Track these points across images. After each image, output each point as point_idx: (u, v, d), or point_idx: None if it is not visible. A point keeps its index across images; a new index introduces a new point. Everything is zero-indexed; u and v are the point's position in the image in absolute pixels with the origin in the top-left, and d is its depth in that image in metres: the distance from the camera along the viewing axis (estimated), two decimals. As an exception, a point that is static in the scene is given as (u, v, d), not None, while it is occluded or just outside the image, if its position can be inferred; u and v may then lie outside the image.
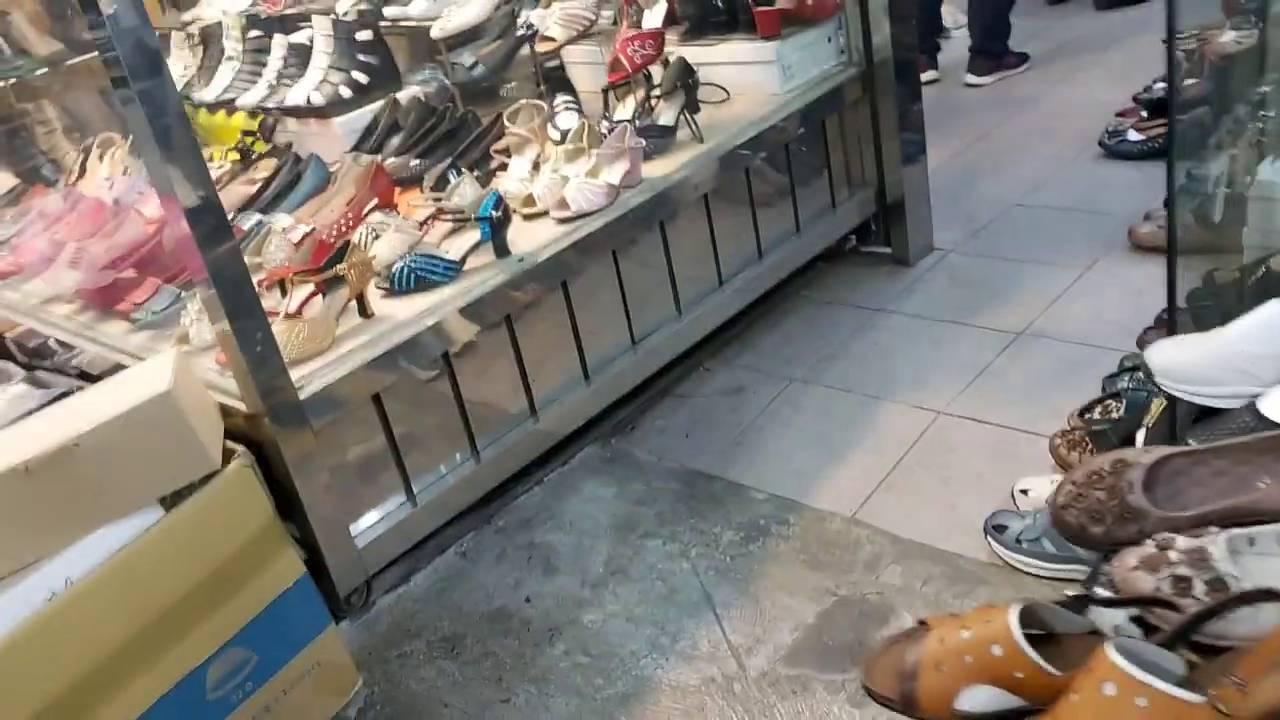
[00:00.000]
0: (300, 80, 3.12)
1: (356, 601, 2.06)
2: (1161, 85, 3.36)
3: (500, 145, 2.65)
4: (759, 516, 2.17)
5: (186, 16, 3.71)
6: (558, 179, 2.43)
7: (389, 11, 3.11)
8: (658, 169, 2.52)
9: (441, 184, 2.58)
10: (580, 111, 2.85)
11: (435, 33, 2.94)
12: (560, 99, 2.91)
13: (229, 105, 3.30)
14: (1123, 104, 3.55)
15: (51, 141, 3.44)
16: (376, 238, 2.37)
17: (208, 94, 3.36)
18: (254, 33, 3.34)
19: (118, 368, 2.25)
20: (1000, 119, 4.00)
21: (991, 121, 3.99)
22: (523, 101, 2.65)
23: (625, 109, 2.71)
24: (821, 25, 2.81)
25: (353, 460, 2.08)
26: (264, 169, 2.93)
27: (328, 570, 1.95)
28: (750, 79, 2.80)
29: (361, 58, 3.09)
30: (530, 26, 2.85)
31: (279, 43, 3.26)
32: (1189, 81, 2.11)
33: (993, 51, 4.36)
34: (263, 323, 1.81)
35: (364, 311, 2.13)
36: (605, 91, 2.72)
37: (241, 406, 1.88)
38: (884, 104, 2.87)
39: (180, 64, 3.60)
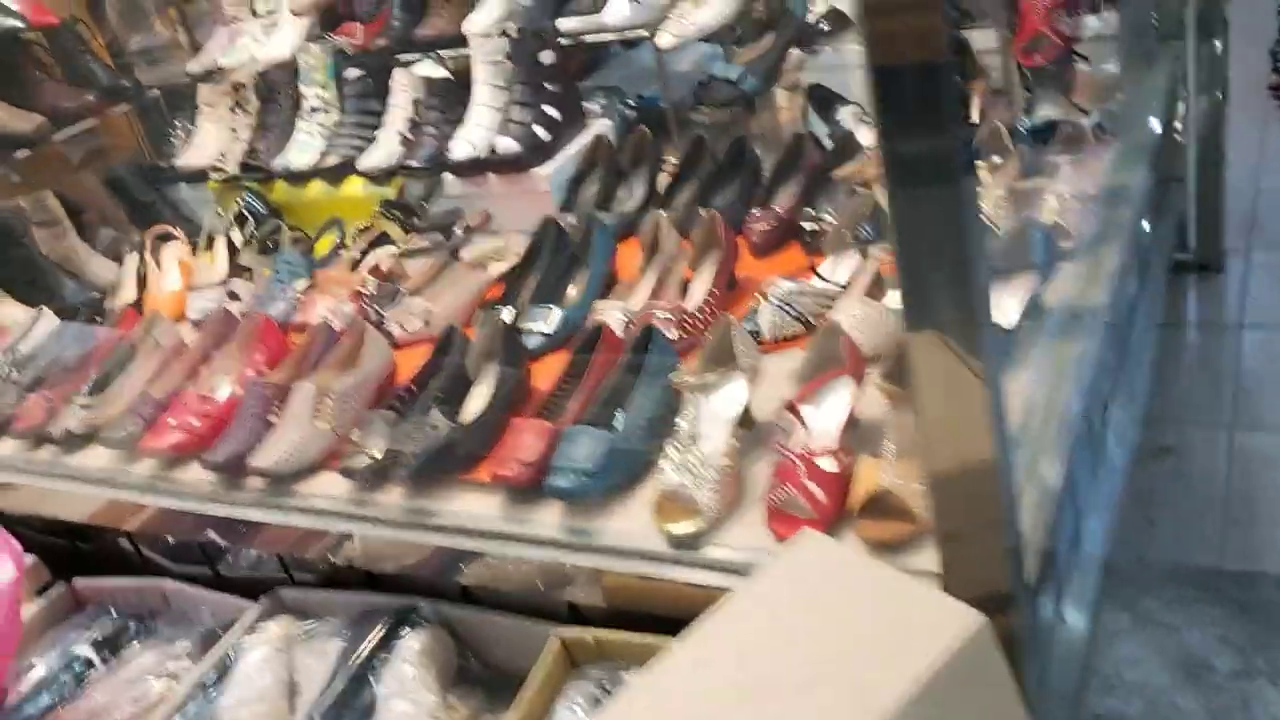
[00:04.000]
0: (464, 126, 2.28)
1: None
2: None
3: (859, 169, 1.92)
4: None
5: (192, 67, 2.77)
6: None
7: (566, 24, 2.32)
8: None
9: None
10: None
11: (665, 42, 2.19)
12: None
13: (333, 172, 2.41)
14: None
15: (63, 249, 2.43)
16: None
17: (287, 161, 2.45)
18: (352, 72, 2.46)
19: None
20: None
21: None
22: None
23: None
24: None
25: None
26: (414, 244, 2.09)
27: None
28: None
29: (549, 87, 2.29)
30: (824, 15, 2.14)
31: (403, 82, 2.40)
32: None
33: None
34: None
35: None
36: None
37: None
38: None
39: (218, 127, 2.66)
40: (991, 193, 1.76)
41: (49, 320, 2.15)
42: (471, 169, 2.25)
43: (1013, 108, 2.01)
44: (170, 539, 1.83)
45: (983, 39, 2.14)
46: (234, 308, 2.08)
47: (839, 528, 1.24)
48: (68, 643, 1.69)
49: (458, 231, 2.07)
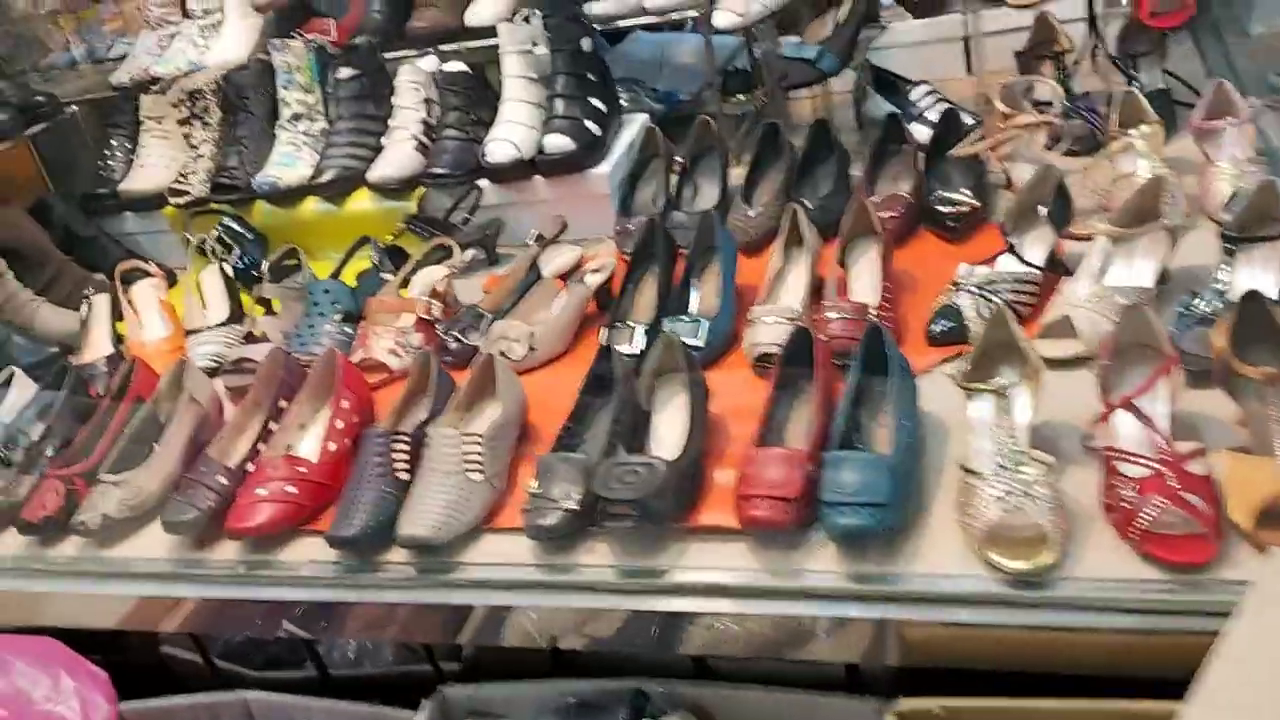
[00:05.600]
0: (497, 125, 1.99)
1: None
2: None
3: (993, 144, 1.74)
4: None
5: (119, 77, 2.37)
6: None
7: (600, 8, 2.07)
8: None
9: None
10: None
11: (724, 21, 1.97)
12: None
13: (334, 187, 2.07)
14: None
15: (1, 298, 1.98)
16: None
17: (272, 177, 2.09)
18: (344, 72, 2.13)
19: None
20: None
21: None
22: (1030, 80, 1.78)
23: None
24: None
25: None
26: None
27: None
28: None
29: (591, 77, 2.03)
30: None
31: (412, 80, 2.09)
32: None
33: None
34: None
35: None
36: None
37: None
38: None
39: (169, 144, 2.27)
40: (1152, 162, 1.62)
41: (23, 385, 1.73)
42: (515, 172, 1.97)
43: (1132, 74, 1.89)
44: (240, 637, 1.48)
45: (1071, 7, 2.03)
46: (265, 351, 1.73)
47: (1228, 540, 1.05)
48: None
49: (530, 243, 1.78)
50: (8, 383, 1.73)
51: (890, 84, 2.12)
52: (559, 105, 1.98)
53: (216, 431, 1.57)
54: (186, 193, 2.16)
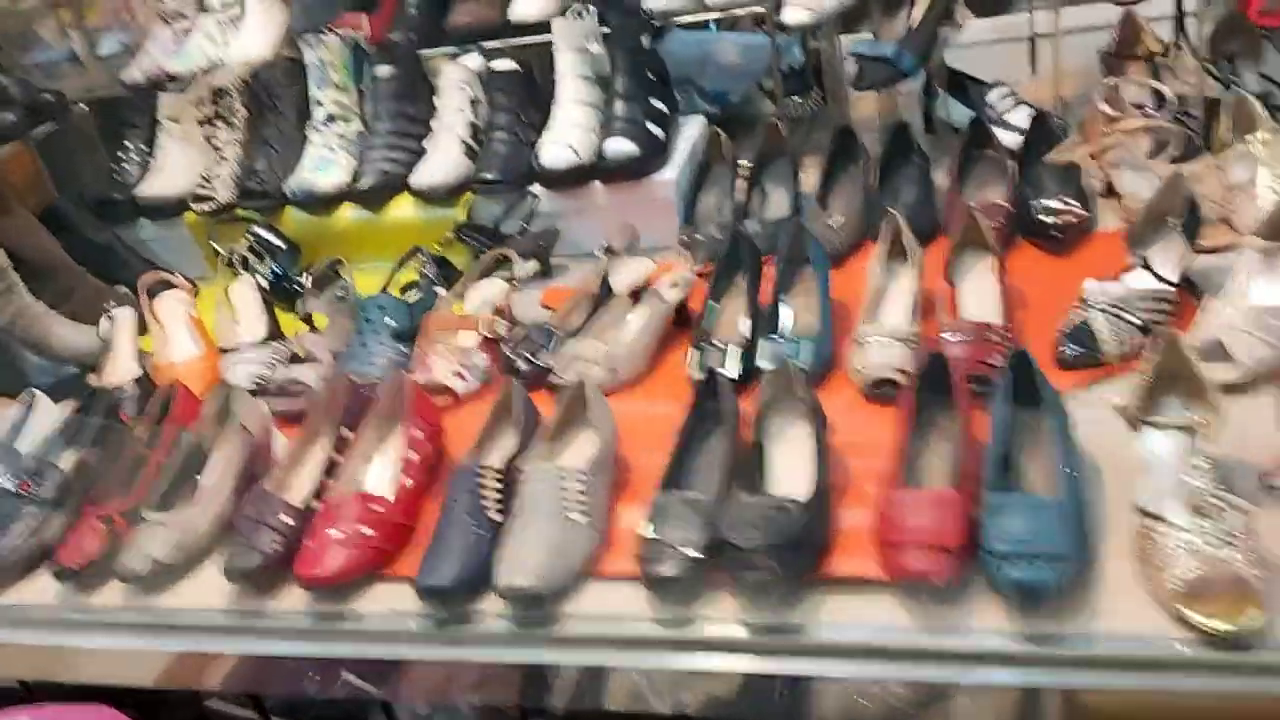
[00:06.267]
0: (552, 128, 1.86)
1: None
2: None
3: (1098, 150, 1.63)
4: None
5: (132, 75, 2.21)
6: None
7: (656, 4, 1.94)
8: None
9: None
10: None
11: (795, 18, 1.84)
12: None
13: (373, 193, 1.93)
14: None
15: (13, 313, 1.82)
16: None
17: (307, 182, 1.95)
18: (383, 70, 1.99)
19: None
20: None
21: None
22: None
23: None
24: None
25: None
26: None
27: None
28: None
29: (651, 77, 1.90)
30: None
31: (456, 79, 1.95)
32: None
33: None
34: None
35: None
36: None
37: None
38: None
39: (189, 146, 2.12)
40: (1274, 171, 1.52)
41: (48, 411, 1.58)
42: (573, 178, 1.84)
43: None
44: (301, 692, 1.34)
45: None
46: (315, 372, 1.59)
47: None
48: None
49: (599, 255, 1.65)
50: (29, 407, 1.58)
51: (962, 86, 2.01)
52: (619, 107, 1.85)
53: (267, 463, 1.43)
54: (211, 198, 2.01)
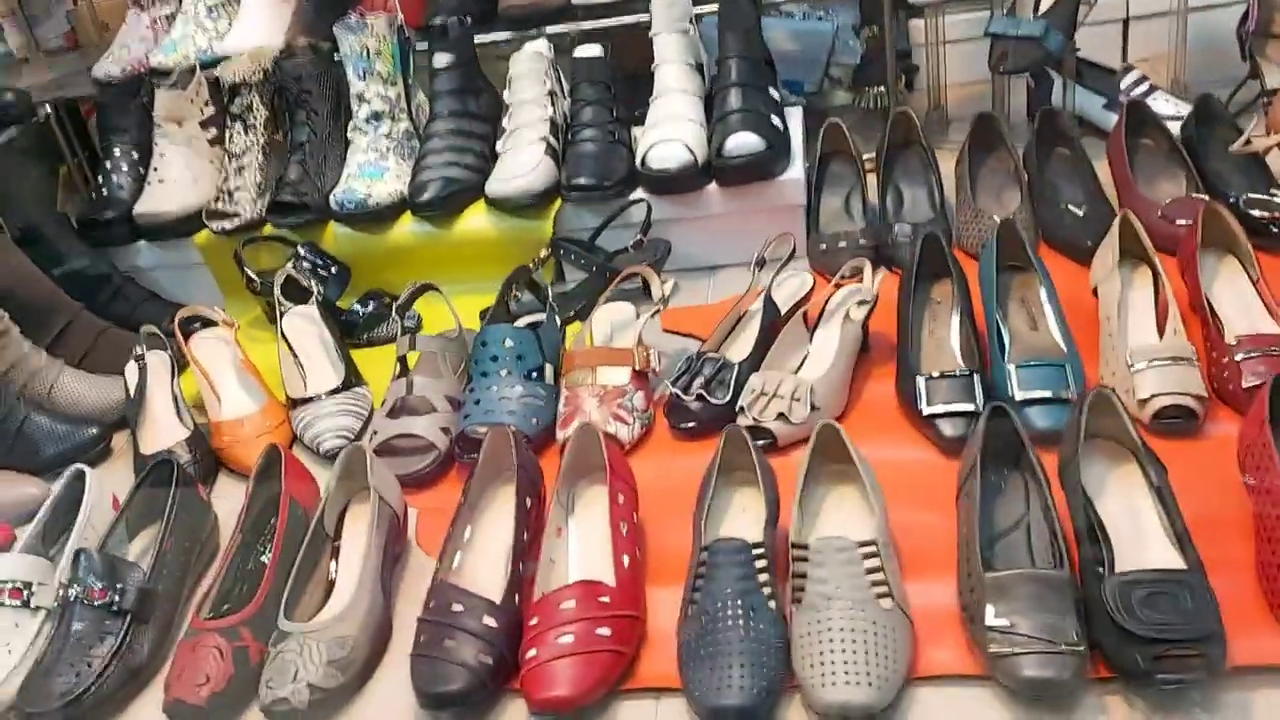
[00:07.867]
0: (656, 125, 1.60)
1: None
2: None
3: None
4: None
5: (108, 69, 1.87)
6: None
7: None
8: None
9: None
10: None
11: (922, -4, 1.64)
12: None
13: (439, 204, 1.64)
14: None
15: (8, 362, 1.47)
16: None
17: (358, 192, 1.64)
18: (441, 59, 1.69)
19: None
20: None
21: None
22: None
23: None
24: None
25: None
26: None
27: None
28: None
29: (766, 63, 1.67)
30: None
31: (531, 70, 1.67)
32: None
33: None
34: None
35: None
36: None
37: None
38: None
39: (194, 153, 1.77)
40: None
41: (98, 489, 1.24)
42: (688, 180, 1.58)
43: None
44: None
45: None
46: (433, 424, 1.30)
47: None
48: None
49: (755, 270, 1.40)
50: (72, 485, 1.24)
51: (1087, 70, 1.83)
52: (733, 97, 1.60)
53: (403, 546, 1.15)
54: (234, 215, 1.68)
